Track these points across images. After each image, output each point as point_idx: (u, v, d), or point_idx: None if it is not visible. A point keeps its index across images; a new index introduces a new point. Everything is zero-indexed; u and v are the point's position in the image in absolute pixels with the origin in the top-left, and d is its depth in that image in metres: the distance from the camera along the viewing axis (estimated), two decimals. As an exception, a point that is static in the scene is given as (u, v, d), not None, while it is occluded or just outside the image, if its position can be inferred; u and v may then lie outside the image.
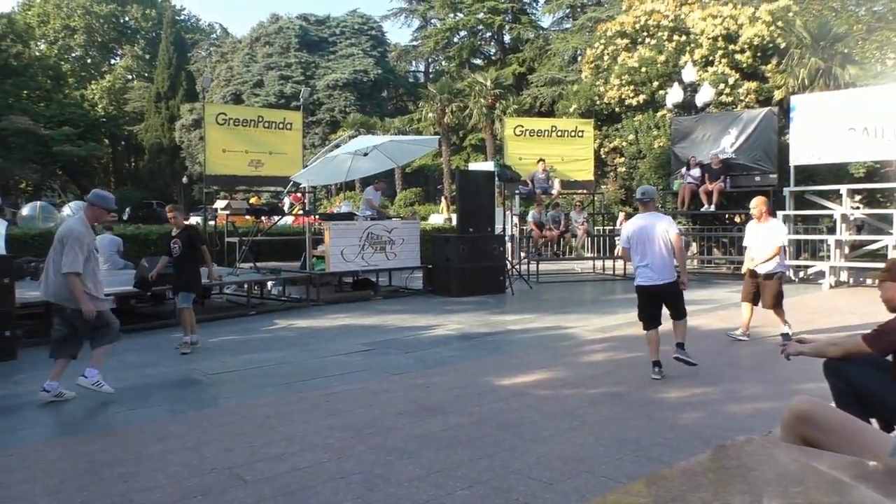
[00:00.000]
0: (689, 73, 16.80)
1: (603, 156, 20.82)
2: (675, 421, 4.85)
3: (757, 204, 7.66)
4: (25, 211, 24.99)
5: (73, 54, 53.04)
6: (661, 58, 20.16)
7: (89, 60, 53.94)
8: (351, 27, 44.09)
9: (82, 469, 4.01)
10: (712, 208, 14.62)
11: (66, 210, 18.64)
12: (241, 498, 3.59)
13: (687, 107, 16.55)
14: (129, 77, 51.75)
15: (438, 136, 26.44)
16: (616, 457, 4.13)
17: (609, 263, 16.19)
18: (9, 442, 4.58)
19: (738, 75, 19.27)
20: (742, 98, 18.85)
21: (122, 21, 53.79)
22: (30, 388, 5.96)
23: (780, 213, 12.60)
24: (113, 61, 54.73)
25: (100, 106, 48.54)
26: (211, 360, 7.07)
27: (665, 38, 20.63)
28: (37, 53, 49.05)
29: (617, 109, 20.80)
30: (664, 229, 6.15)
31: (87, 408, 5.46)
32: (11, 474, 3.95)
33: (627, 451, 4.21)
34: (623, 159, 20.39)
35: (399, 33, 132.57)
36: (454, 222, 14.40)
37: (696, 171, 14.76)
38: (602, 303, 11.74)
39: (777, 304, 7.60)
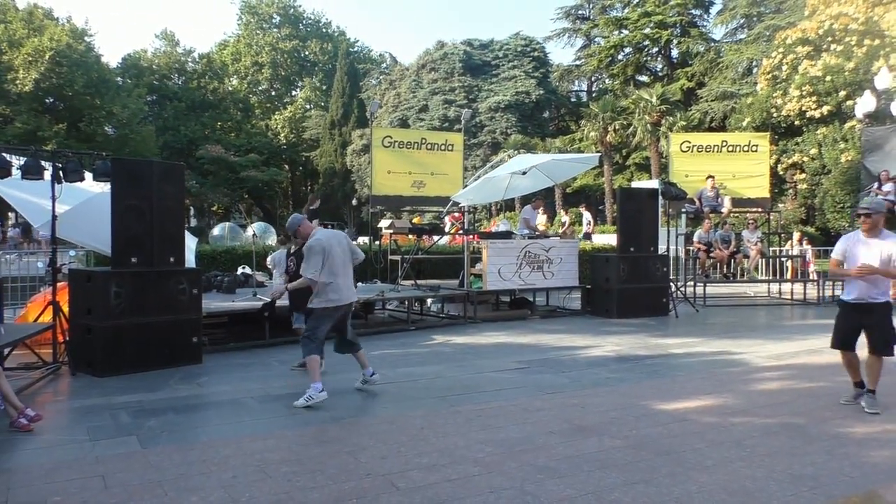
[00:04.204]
0: (884, 80, 15.22)
1: (780, 172, 19.41)
2: (860, 458, 4.35)
3: None
4: (216, 231, 27.61)
5: (260, 87, 58.21)
6: (850, 65, 18.51)
7: (273, 93, 58.91)
8: (514, 50, 44.61)
9: (252, 466, 4.30)
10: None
11: (250, 230, 20.37)
12: (393, 504, 3.68)
13: (880, 117, 15.00)
14: (308, 107, 55.83)
15: (600, 154, 25.93)
16: (791, 493, 3.76)
17: (786, 287, 14.98)
18: (191, 438, 5.01)
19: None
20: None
21: (302, 55, 58.30)
22: (211, 390, 6.53)
23: None
24: (294, 93, 59.35)
25: (282, 135, 52.76)
26: (371, 371, 7.32)
27: (854, 43, 18.91)
28: (229, 88, 54.42)
29: (797, 122, 19.36)
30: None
31: (257, 410, 5.87)
32: (191, 467, 4.32)
33: (804, 488, 3.83)
34: (804, 175, 18.88)
35: (562, 53, 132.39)
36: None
37: (888, 186, 13.29)
38: (777, 328, 10.85)
39: None
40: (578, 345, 9.03)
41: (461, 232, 13.73)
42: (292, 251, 7.58)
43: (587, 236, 18.64)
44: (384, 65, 55.35)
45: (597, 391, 6.37)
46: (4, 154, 7.37)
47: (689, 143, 15.53)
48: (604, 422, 5.25)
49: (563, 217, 18.83)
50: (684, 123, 31.52)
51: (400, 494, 3.81)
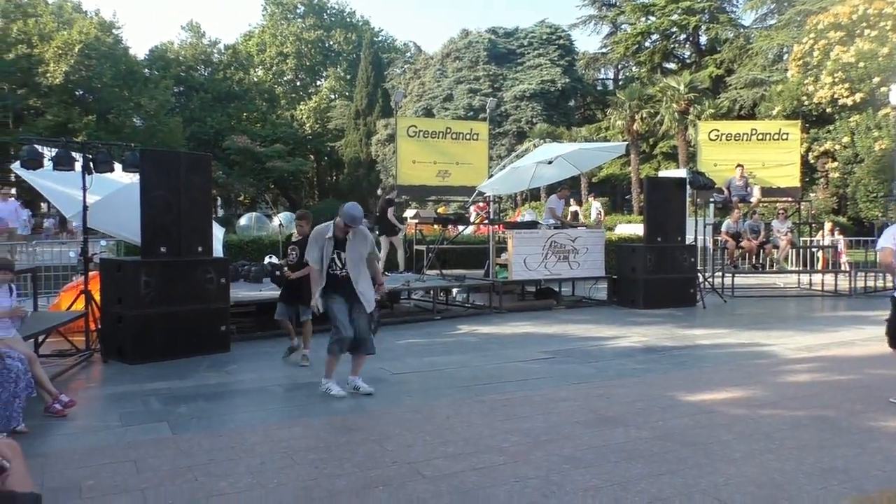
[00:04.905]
0: (920, 65, 14.87)
1: (811, 161, 19.07)
2: (893, 452, 4.28)
3: None
4: (243, 221, 27.88)
5: (285, 78, 58.50)
6: (884, 50, 18.08)
7: (298, 83, 59.18)
8: (539, 38, 44.27)
9: (279, 453, 4.36)
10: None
11: (276, 220, 20.54)
12: (419, 492, 3.71)
13: (916, 103, 14.66)
14: (332, 97, 56.00)
15: (626, 143, 25.68)
16: (820, 486, 3.72)
17: (817, 278, 14.74)
18: (220, 424, 5.09)
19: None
20: None
21: (326, 45, 58.45)
22: (239, 378, 6.62)
23: None
24: (318, 83, 59.58)
25: (307, 125, 53.00)
26: (397, 361, 7.37)
27: (889, 27, 18.47)
28: (255, 79, 54.78)
29: (828, 110, 18.99)
30: None
31: (284, 398, 5.94)
32: (220, 453, 4.39)
33: (834, 482, 3.79)
34: (836, 164, 18.53)
35: (588, 41, 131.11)
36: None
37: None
38: (807, 320, 10.70)
39: None
40: (604, 335, 9.00)
41: (486, 222, 13.71)
42: (293, 240, 7.45)
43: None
44: (408, 54, 55.30)
45: (623, 381, 6.34)
46: (36, 146, 7.53)
47: (718, 131, 15.31)
48: (630, 412, 5.23)
49: (593, 204, 18.65)
50: (713, 111, 31.10)
51: (426, 482, 3.84)
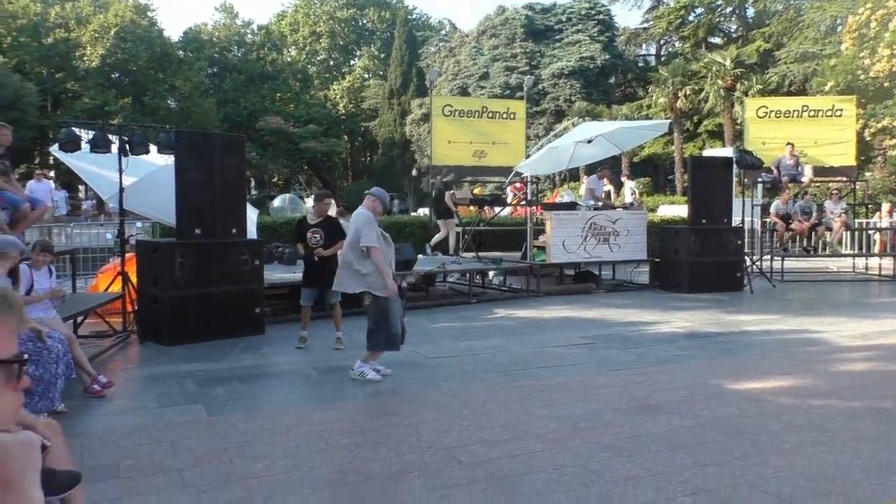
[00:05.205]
0: None
1: (868, 138, 18.48)
2: (956, 446, 4.14)
3: None
4: (276, 202, 28.14)
5: (318, 57, 58.64)
6: (948, 20, 17.37)
7: (332, 63, 59.29)
8: (578, 13, 43.55)
9: (314, 436, 4.40)
10: None
11: (310, 202, 20.64)
12: (455, 478, 3.71)
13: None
14: (366, 76, 56.02)
15: (669, 121, 25.21)
16: (878, 482, 3.62)
17: (873, 262, 14.32)
18: (255, 406, 5.15)
19: None
20: None
21: (360, 24, 58.39)
22: (273, 360, 6.70)
23: None
24: (352, 62, 59.63)
25: (340, 105, 53.17)
26: (432, 345, 7.39)
27: (953, -5, 17.74)
28: (288, 59, 55.05)
29: (886, 84, 18.32)
30: None
31: (319, 381, 6.00)
32: (255, 435, 4.45)
33: (894, 477, 3.67)
34: (894, 141, 17.90)
35: (628, 16, 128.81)
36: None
37: None
38: (862, 306, 10.42)
39: None
40: (646, 320, 8.90)
41: (524, 203, 13.62)
42: (314, 222, 7.25)
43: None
44: (443, 32, 54.93)
45: (665, 368, 6.26)
46: (74, 129, 7.68)
47: (767, 108, 14.92)
48: (673, 400, 5.16)
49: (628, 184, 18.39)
50: (761, 87, 30.29)
51: (462, 468, 3.83)
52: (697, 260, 11.44)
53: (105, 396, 5.30)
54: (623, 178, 19.22)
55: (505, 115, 14.24)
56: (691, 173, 12.27)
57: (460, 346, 7.40)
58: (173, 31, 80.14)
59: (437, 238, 12.98)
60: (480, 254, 12.56)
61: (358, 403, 5.23)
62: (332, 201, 8.03)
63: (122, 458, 4.00)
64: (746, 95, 27.83)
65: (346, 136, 52.06)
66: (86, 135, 7.65)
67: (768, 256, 13.37)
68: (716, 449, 4.11)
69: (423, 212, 19.49)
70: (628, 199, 17.46)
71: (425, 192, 42.69)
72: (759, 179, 14.06)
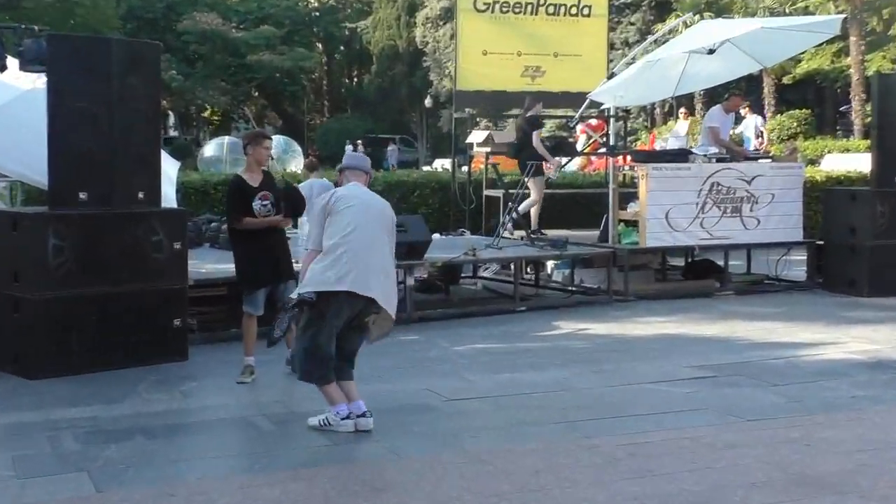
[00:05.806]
0: None
1: None
2: None
3: None
4: (209, 150, 28.35)
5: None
6: None
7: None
8: None
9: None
10: None
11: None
12: None
13: None
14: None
15: (843, 16, 24.90)
16: None
17: None
18: (171, 476, 5.12)
19: None
20: None
21: None
22: (202, 403, 6.77)
23: None
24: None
25: (312, -5, 53.32)
26: (454, 379, 7.40)
27: None
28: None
29: None
30: None
31: (273, 434, 6.00)
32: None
33: None
34: None
35: None
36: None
37: None
38: None
39: None
40: (801, 340, 8.96)
41: (603, 151, 13.52)
42: (257, 183, 7.40)
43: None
44: None
45: (833, 419, 6.29)
46: None
47: None
48: (846, 470, 5.14)
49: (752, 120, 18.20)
50: None
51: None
52: (886, 244, 11.43)
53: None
54: (744, 111, 19.00)
55: (575, 10, 14.18)
56: (878, 102, 12.25)
57: (498, 379, 7.43)
58: None
59: (526, 205, 12.68)
60: (533, 232, 12.46)
61: (333, 472, 5.19)
62: (271, 143, 8.20)
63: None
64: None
65: (320, 45, 52.11)
66: None
67: None
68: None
69: (441, 164, 19.26)
70: (751, 143, 17.29)
71: (444, 134, 42.63)
72: None
